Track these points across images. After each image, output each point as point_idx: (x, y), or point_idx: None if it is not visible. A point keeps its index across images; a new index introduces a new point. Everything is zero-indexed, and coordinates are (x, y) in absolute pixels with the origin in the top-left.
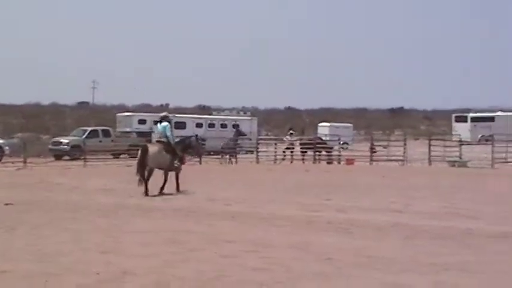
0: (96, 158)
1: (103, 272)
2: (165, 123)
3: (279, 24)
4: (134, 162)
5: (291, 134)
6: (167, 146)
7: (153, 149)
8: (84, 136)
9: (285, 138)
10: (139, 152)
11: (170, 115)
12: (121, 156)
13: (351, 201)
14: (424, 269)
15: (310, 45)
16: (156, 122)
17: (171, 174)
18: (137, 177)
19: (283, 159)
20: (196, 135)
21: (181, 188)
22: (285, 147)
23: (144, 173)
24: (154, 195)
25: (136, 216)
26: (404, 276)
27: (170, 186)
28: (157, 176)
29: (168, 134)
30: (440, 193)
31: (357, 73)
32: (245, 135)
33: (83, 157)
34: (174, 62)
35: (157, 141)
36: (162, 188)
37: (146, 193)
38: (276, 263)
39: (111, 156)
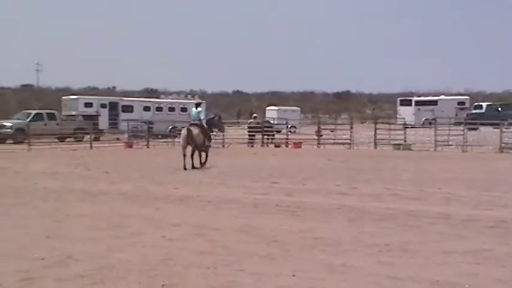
0: (41, 141)
1: (47, 257)
2: (199, 109)
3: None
4: (82, 146)
5: (255, 117)
6: (202, 128)
7: (194, 130)
8: (28, 119)
9: (249, 122)
10: (185, 132)
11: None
12: (67, 139)
13: (298, 184)
14: (368, 250)
15: (256, 28)
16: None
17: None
18: (182, 154)
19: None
20: (219, 115)
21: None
22: (248, 130)
23: (186, 150)
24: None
25: (82, 201)
26: (348, 257)
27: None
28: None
29: (202, 117)
30: (384, 176)
31: (303, 57)
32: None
33: (27, 141)
34: (120, 44)
35: (192, 124)
36: (201, 162)
37: (185, 167)
38: (223, 246)
39: (57, 140)
